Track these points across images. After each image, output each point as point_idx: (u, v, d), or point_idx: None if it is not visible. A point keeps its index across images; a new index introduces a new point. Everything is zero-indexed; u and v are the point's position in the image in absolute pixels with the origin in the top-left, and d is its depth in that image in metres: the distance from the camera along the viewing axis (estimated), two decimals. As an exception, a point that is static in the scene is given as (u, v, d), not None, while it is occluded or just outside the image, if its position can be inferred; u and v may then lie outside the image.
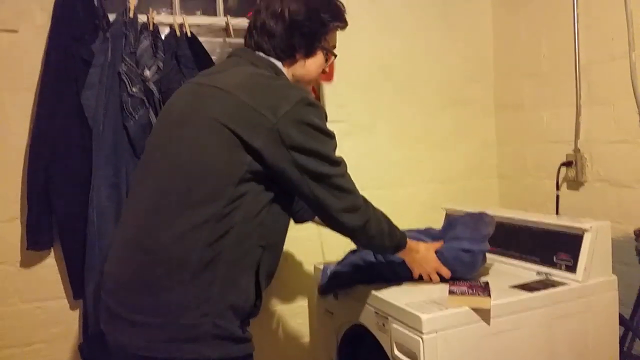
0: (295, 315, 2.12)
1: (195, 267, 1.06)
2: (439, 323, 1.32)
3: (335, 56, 1.35)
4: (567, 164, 2.04)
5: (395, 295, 1.47)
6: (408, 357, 1.36)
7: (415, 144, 2.31)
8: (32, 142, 1.70)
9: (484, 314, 1.37)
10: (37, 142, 1.69)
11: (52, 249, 1.76)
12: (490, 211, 1.94)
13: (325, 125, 1.19)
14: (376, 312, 1.50)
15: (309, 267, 1.96)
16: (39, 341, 1.77)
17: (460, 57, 2.37)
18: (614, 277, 1.60)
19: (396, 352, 1.40)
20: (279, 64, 1.27)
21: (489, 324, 1.38)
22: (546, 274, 1.61)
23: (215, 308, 1.07)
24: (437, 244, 1.57)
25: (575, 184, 2.04)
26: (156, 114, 1.75)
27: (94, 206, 1.66)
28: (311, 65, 1.31)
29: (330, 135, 1.20)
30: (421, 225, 2.27)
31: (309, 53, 1.29)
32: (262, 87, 1.15)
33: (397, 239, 1.40)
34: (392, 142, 2.27)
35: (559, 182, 2.09)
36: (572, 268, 1.56)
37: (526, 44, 2.25)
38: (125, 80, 1.72)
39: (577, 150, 2.02)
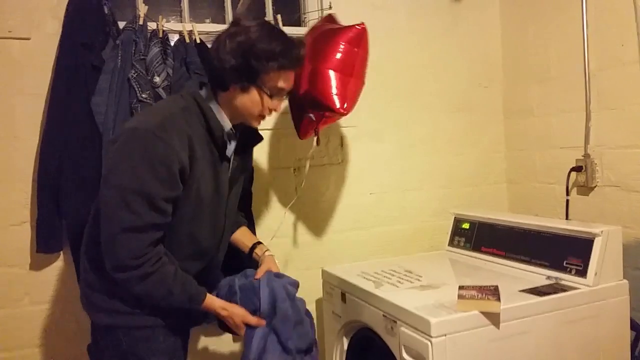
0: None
1: None
2: (448, 326, 1.32)
3: (271, 96, 1.32)
4: (577, 168, 2.03)
5: (403, 299, 1.47)
6: (417, 360, 1.35)
7: (423, 149, 2.31)
8: (42, 147, 1.72)
9: (493, 318, 1.37)
10: (47, 147, 1.71)
11: (61, 253, 1.77)
12: (499, 216, 1.94)
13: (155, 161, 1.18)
14: (384, 315, 1.49)
15: (316, 270, 1.96)
16: (50, 342, 1.78)
17: (468, 63, 2.38)
18: (625, 282, 1.59)
19: (405, 355, 1.40)
20: (203, 92, 1.35)
21: (498, 327, 1.37)
22: (556, 278, 1.60)
23: None
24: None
25: (586, 189, 2.03)
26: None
27: (103, 210, 1.67)
28: (244, 101, 1.31)
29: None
30: (429, 229, 2.29)
31: (242, 88, 1.30)
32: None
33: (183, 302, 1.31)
34: (401, 148, 2.27)
35: (569, 187, 2.08)
36: (582, 272, 1.55)
37: (535, 49, 2.24)
38: (135, 87, 1.74)
39: (587, 155, 2.01)
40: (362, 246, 2.20)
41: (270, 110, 1.36)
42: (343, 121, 2.15)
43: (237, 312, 1.37)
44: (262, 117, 1.37)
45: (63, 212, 1.71)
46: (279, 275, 1.46)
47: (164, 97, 1.77)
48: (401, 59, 2.26)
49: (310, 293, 2.10)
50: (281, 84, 1.32)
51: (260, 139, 1.51)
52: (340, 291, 1.77)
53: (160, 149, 1.18)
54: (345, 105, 1.70)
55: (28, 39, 1.75)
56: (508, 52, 2.41)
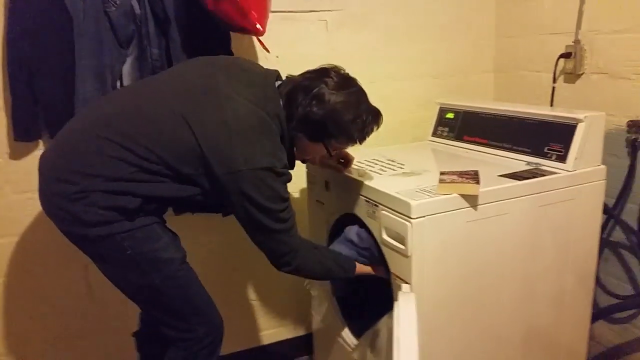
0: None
1: None
2: (428, 208, 1.35)
3: (330, 154, 1.46)
4: (566, 55, 1.99)
5: (385, 185, 1.49)
6: (396, 240, 1.40)
7: (411, 36, 2.22)
8: (9, 31, 1.61)
9: (472, 200, 1.40)
10: (14, 29, 1.61)
11: (40, 141, 1.74)
12: (484, 104, 1.93)
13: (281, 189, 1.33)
14: (367, 201, 1.53)
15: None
16: (34, 230, 1.80)
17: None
18: (603, 167, 1.62)
19: (385, 236, 1.45)
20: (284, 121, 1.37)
21: (476, 210, 1.41)
22: (536, 164, 1.63)
23: None
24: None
25: (573, 76, 2.00)
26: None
27: (79, 96, 1.62)
28: (305, 145, 1.42)
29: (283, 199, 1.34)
30: (415, 120, 2.27)
31: (310, 138, 1.39)
32: (248, 135, 1.26)
33: (338, 273, 1.53)
34: (387, 34, 2.19)
35: (556, 75, 2.05)
36: (562, 158, 1.57)
37: None
38: (104, -39, 1.61)
39: (577, 41, 1.95)
40: (346, 136, 2.19)
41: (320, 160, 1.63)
42: (327, 5, 2.04)
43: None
44: (316, 160, 1.63)
45: (39, 98, 1.65)
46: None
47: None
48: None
49: (294, 183, 2.11)
50: (343, 149, 1.53)
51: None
52: (323, 180, 1.79)
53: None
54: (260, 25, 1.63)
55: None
56: None
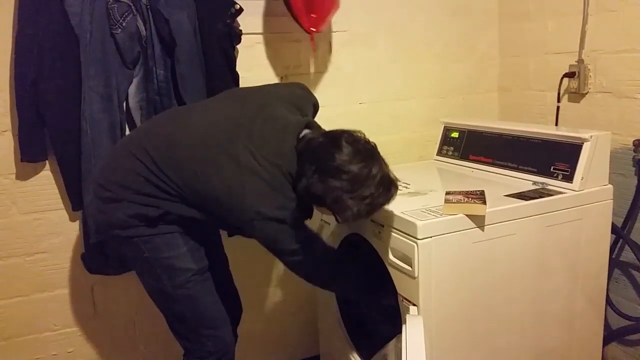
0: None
1: None
2: (434, 229, 1.34)
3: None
4: (570, 74, 1.99)
5: (391, 205, 1.48)
6: (403, 262, 1.39)
7: (415, 56, 2.24)
8: (17, 53, 1.63)
9: (479, 221, 1.39)
10: (21, 52, 1.63)
11: (47, 161, 1.75)
12: (489, 123, 1.93)
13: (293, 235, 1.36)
14: (372, 220, 1.51)
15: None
16: (41, 251, 1.80)
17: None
18: (610, 186, 1.61)
19: (391, 257, 1.43)
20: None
21: (483, 230, 1.40)
22: (542, 183, 1.62)
23: None
24: None
25: (577, 95, 2.00)
26: (144, 22, 1.68)
27: (86, 117, 1.63)
28: (314, 205, 1.40)
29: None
30: (419, 139, 2.27)
31: (316, 205, 1.38)
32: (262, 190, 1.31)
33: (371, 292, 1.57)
34: (393, 54, 2.20)
35: (560, 94, 2.05)
36: (569, 177, 1.56)
37: (534, -53, 2.12)
38: (111, -16, 1.63)
39: (580, 60, 1.96)
40: (351, 155, 2.18)
41: None
42: (333, 25, 2.06)
43: None
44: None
45: (45, 119, 1.66)
46: None
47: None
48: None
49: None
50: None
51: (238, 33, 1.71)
52: (328, 199, 1.78)
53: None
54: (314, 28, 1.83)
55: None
56: (507, -50, 2.27)
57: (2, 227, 1.75)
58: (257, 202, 1.30)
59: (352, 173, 1.25)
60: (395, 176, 1.35)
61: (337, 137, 1.30)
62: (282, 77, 2.04)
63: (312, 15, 1.81)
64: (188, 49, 1.72)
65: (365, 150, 1.30)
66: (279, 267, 2.11)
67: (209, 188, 1.32)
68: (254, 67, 1.96)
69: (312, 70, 2.08)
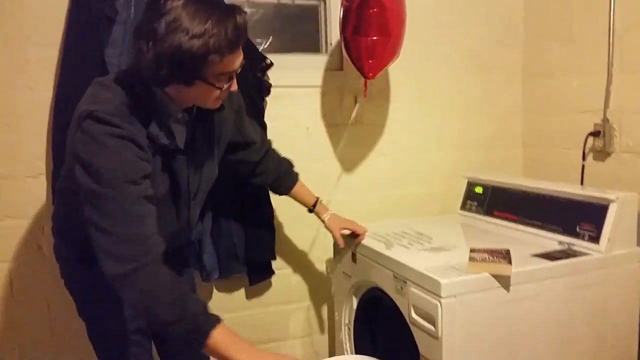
0: (313, 277, 2.15)
1: None
2: (458, 288, 1.33)
3: (221, 89, 1.16)
4: (595, 133, 1.99)
5: (414, 260, 1.48)
6: (426, 320, 1.37)
7: (438, 110, 2.27)
8: (57, 99, 1.71)
9: (504, 281, 1.37)
10: (61, 99, 1.70)
11: (76, 206, 1.79)
12: (513, 180, 1.93)
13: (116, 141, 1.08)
14: (394, 276, 1.51)
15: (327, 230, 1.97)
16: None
17: (488, 20, 2.30)
18: (638, 249, 1.58)
19: (414, 315, 1.42)
20: (157, 91, 1.15)
21: (508, 290, 1.38)
22: (568, 244, 1.60)
23: None
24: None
25: (602, 154, 1.99)
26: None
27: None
28: (192, 94, 1.16)
29: (112, 151, 1.08)
30: (441, 193, 2.27)
31: (186, 84, 1.12)
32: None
33: (191, 318, 1.06)
34: (414, 108, 2.23)
35: (585, 153, 2.04)
36: (595, 239, 1.54)
37: (558, 6, 2.16)
38: (149, 39, 1.71)
39: (605, 120, 1.96)
40: (373, 208, 2.19)
41: (226, 92, 1.20)
42: (356, 80, 2.11)
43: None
44: (220, 99, 1.22)
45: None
46: None
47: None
48: (417, 15, 2.18)
49: (321, 253, 2.13)
50: (228, 68, 1.14)
51: (267, 86, 1.49)
52: (350, 251, 1.79)
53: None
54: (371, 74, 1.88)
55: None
56: (530, 9, 2.32)
57: (28, 267, 1.78)
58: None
59: (174, 14, 1.04)
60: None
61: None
62: (307, 128, 2.08)
63: (371, 61, 1.85)
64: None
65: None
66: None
67: None
68: (280, 118, 2.01)
69: (335, 121, 2.12)
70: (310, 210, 1.74)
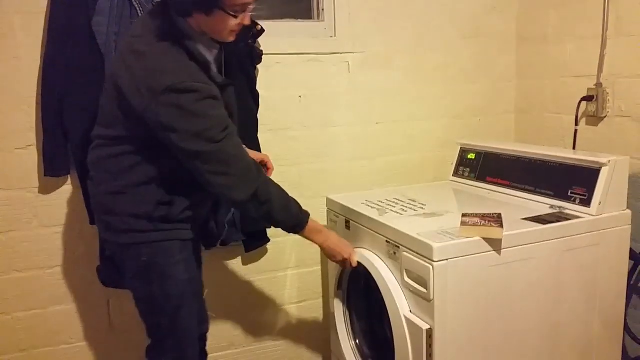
0: (307, 244, 2.15)
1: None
2: (450, 251, 1.34)
3: (235, 17, 1.31)
4: (588, 98, 1.99)
5: (407, 226, 1.49)
6: (418, 283, 1.39)
7: (432, 77, 2.26)
8: (44, 69, 1.68)
9: (495, 244, 1.39)
10: (49, 69, 1.68)
11: (69, 176, 1.79)
12: (506, 146, 1.93)
13: (201, 105, 1.28)
14: (387, 241, 1.52)
15: (321, 199, 1.98)
16: (59, 264, 1.83)
17: (483, -15, 2.27)
18: (628, 212, 1.59)
19: (406, 278, 1.43)
20: (180, 21, 1.31)
21: (499, 254, 1.40)
22: (560, 207, 1.61)
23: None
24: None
25: (595, 119, 1.99)
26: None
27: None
28: (211, 24, 1.32)
29: (206, 115, 1.29)
30: (435, 160, 2.28)
31: (207, 13, 1.28)
32: (142, 66, 1.28)
33: (295, 215, 1.47)
34: (409, 75, 2.22)
35: (578, 118, 2.04)
36: (586, 202, 1.56)
37: (553, -29, 2.14)
38: (137, 6, 1.68)
39: (599, 84, 1.96)
40: (366, 175, 2.20)
41: (240, 26, 1.36)
42: (347, 47, 2.09)
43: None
44: (234, 32, 1.37)
45: (69, 136, 1.70)
46: None
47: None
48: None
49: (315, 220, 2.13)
50: (243, 0, 1.30)
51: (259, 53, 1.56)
52: (344, 219, 1.80)
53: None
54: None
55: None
56: (524, -26, 2.29)
57: (23, 239, 1.78)
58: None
59: None
60: None
61: None
62: (300, 96, 2.06)
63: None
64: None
65: None
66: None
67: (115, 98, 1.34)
68: (273, 86, 1.99)
69: (330, 90, 2.10)
70: None
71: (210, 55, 1.39)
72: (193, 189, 1.41)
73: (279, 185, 1.45)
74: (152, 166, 1.37)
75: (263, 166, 1.70)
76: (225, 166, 1.33)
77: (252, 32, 1.82)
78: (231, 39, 1.39)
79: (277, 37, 1.96)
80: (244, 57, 1.83)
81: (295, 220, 1.47)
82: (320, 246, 1.57)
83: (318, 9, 2.10)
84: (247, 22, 1.36)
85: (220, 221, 1.86)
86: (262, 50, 1.88)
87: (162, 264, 1.41)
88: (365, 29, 2.11)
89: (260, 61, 1.89)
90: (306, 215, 1.50)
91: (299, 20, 2.09)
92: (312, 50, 2.05)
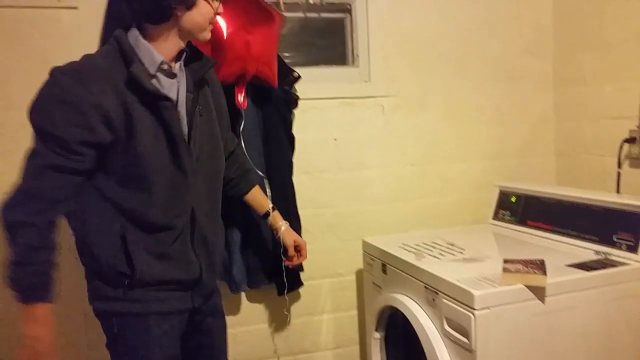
0: (343, 288, 2.14)
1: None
2: (492, 299, 1.30)
3: (213, 8, 1.26)
4: (630, 140, 1.94)
5: (446, 271, 1.46)
6: (459, 332, 1.35)
7: (468, 119, 2.25)
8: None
9: (539, 292, 1.34)
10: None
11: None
12: (547, 189, 1.89)
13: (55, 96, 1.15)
14: (426, 287, 1.49)
15: (357, 241, 1.97)
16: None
17: (517, 28, 2.28)
18: (679, 259, 1.53)
19: (446, 327, 1.40)
20: (134, 32, 1.23)
21: (543, 302, 1.35)
22: (605, 253, 1.56)
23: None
24: None
25: (638, 162, 1.94)
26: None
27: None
28: (194, 18, 1.24)
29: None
30: (472, 202, 2.24)
31: (188, 6, 1.22)
32: None
33: (21, 282, 1.14)
34: (444, 117, 2.22)
35: (621, 160, 1.99)
36: (633, 248, 1.50)
37: (589, 12, 2.13)
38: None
39: (641, 126, 1.92)
40: (403, 218, 2.18)
41: (218, 14, 1.30)
42: (382, 90, 2.11)
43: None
44: (211, 25, 1.30)
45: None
46: None
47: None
48: (446, 24, 2.18)
49: (350, 264, 2.12)
50: None
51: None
52: (380, 262, 1.78)
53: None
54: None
55: (76, 8, 1.77)
56: (559, 16, 2.29)
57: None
58: None
59: None
60: None
61: None
62: (335, 139, 2.09)
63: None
64: (250, 113, 1.81)
65: None
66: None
67: None
68: (308, 129, 2.03)
69: (365, 133, 2.12)
70: (265, 217, 1.61)
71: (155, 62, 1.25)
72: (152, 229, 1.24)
73: (52, 243, 1.16)
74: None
75: (297, 251, 1.61)
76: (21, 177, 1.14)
77: (289, 79, 1.87)
78: (208, 36, 1.31)
79: (313, 82, 2.01)
80: (280, 102, 1.87)
81: (17, 287, 1.14)
82: (23, 334, 1.17)
83: (352, 55, 2.15)
84: (220, 10, 1.31)
85: (237, 265, 1.85)
86: (298, 96, 1.92)
87: (130, 341, 1.26)
88: (399, 73, 2.13)
89: (296, 106, 1.93)
90: (39, 297, 1.15)
91: (334, 66, 2.14)
92: (346, 94, 2.08)
